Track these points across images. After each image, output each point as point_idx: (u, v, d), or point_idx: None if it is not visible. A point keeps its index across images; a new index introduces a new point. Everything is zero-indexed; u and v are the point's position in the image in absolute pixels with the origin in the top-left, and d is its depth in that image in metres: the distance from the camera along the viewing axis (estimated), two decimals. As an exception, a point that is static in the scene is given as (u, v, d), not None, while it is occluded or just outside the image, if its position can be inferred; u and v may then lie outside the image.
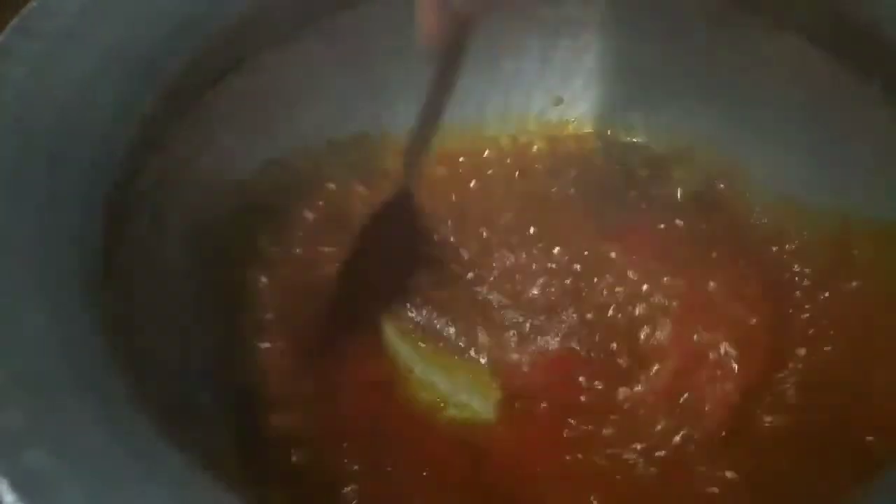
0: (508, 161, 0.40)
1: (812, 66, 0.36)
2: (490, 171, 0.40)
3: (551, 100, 0.41)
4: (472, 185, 0.39)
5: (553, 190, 0.39)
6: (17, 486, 0.21)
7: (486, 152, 0.40)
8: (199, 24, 0.33)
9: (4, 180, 0.27)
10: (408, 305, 0.36)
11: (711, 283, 0.36)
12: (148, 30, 0.32)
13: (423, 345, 0.36)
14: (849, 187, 0.36)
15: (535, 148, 0.41)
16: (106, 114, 0.30)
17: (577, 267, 0.37)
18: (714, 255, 0.37)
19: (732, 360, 0.34)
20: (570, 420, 0.34)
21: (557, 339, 0.36)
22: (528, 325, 0.36)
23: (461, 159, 0.40)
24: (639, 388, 0.34)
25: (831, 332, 0.34)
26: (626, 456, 0.33)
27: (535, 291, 0.37)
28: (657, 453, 0.33)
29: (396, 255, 0.36)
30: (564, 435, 0.33)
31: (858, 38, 0.34)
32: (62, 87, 0.30)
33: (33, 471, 0.21)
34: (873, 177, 0.35)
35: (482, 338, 0.36)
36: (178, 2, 0.33)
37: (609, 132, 0.41)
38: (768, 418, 0.33)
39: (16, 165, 0.28)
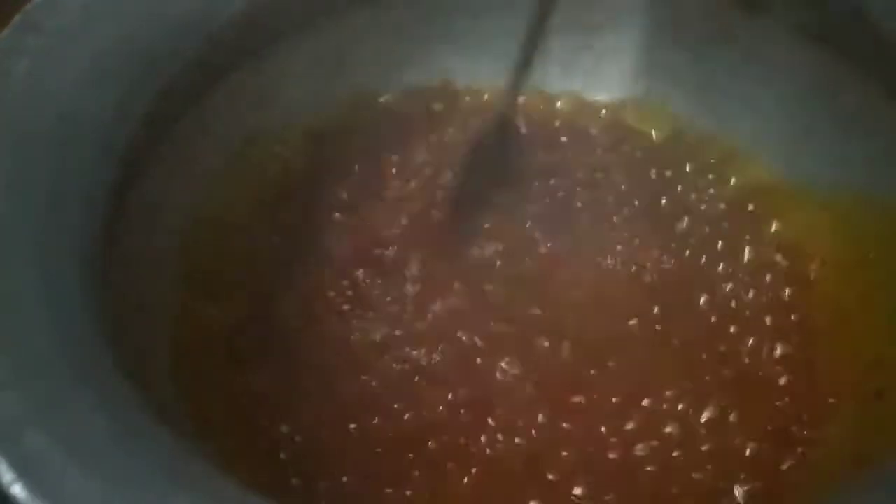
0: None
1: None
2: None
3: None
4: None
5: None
6: (15, 466, 0.21)
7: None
8: (199, 23, 0.33)
9: (5, 177, 0.27)
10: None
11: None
12: (150, 28, 0.32)
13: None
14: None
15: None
16: (107, 112, 0.30)
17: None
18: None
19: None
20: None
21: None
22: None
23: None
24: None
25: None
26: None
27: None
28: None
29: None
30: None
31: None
32: (64, 84, 0.30)
33: (32, 451, 0.21)
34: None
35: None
36: (179, 1, 0.33)
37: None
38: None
39: (17, 162, 0.28)
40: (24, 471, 0.21)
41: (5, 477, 0.21)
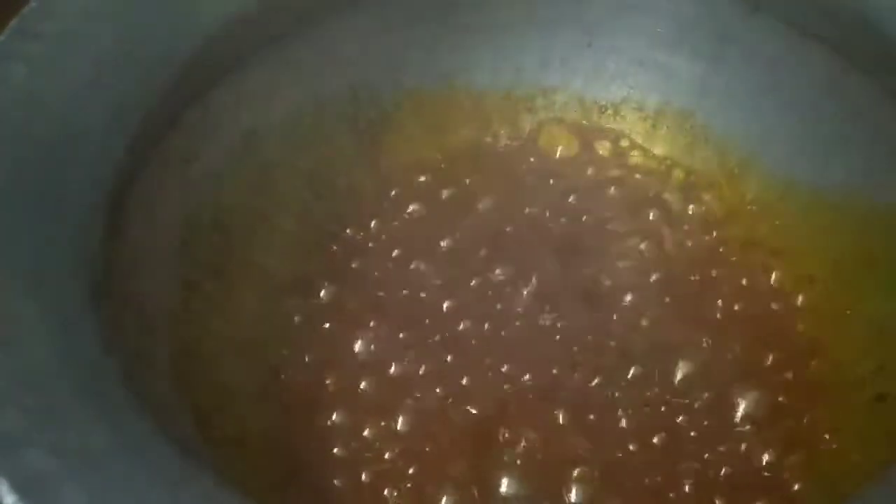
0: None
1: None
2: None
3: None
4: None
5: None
6: (17, 487, 0.21)
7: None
8: (198, 24, 0.33)
9: (4, 181, 0.27)
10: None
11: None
12: (147, 30, 0.32)
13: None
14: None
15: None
16: (106, 114, 0.30)
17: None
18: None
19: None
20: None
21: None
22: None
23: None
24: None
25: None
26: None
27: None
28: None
29: None
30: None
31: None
32: (62, 88, 0.30)
33: (34, 471, 0.21)
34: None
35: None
36: (177, 2, 0.33)
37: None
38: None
39: (15, 166, 0.28)
40: (25, 492, 0.21)
41: (7, 499, 0.21)
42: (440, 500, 0.31)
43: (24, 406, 0.23)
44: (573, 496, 0.31)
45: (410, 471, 0.32)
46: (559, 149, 0.40)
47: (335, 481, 0.31)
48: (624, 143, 0.41)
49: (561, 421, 0.33)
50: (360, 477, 0.31)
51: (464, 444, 0.32)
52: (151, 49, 0.32)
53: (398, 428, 0.32)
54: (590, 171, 0.40)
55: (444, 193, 0.39)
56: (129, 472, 0.22)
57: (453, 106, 0.40)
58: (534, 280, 0.36)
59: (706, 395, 0.33)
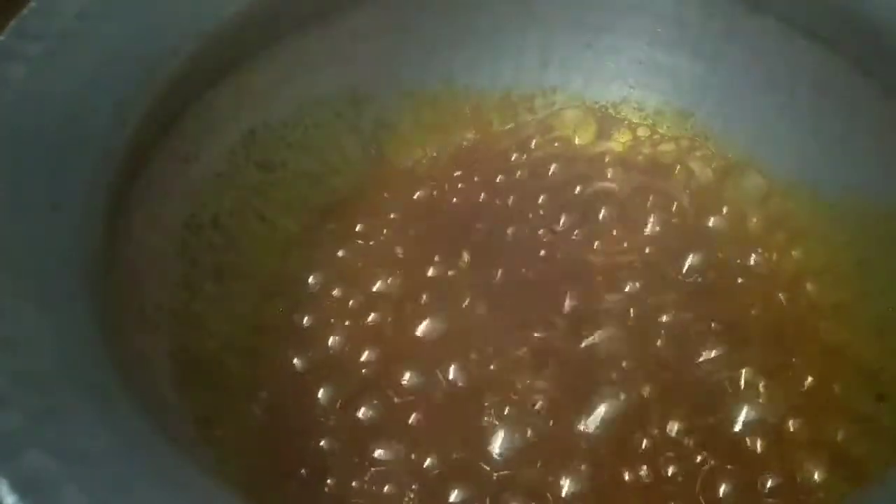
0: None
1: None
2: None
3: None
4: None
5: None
6: (17, 487, 0.21)
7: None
8: (199, 24, 0.33)
9: (4, 181, 0.27)
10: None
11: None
12: (147, 30, 0.32)
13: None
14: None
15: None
16: (106, 114, 0.30)
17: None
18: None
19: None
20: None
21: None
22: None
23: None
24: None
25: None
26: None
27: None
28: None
29: None
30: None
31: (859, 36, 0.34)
32: (62, 88, 0.30)
33: (34, 471, 0.21)
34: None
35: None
36: (177, 2, 0.33)
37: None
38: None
39: (15, 166, 0.28)
40: (25, 492, 0.21)
41: (7, 499, 0.21)
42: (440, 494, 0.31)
43: (24, 406, 0.23)
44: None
45: (410, 469, 0.32)
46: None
47: (335, 481, 0.31)
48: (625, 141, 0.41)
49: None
50: (360, 477, 0.31)
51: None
52: (151, 49, 0.32)
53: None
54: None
55: (443, 193, 0.39)
56: (129, 472, 0.22)
57: (453, 106, 0.40)
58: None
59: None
